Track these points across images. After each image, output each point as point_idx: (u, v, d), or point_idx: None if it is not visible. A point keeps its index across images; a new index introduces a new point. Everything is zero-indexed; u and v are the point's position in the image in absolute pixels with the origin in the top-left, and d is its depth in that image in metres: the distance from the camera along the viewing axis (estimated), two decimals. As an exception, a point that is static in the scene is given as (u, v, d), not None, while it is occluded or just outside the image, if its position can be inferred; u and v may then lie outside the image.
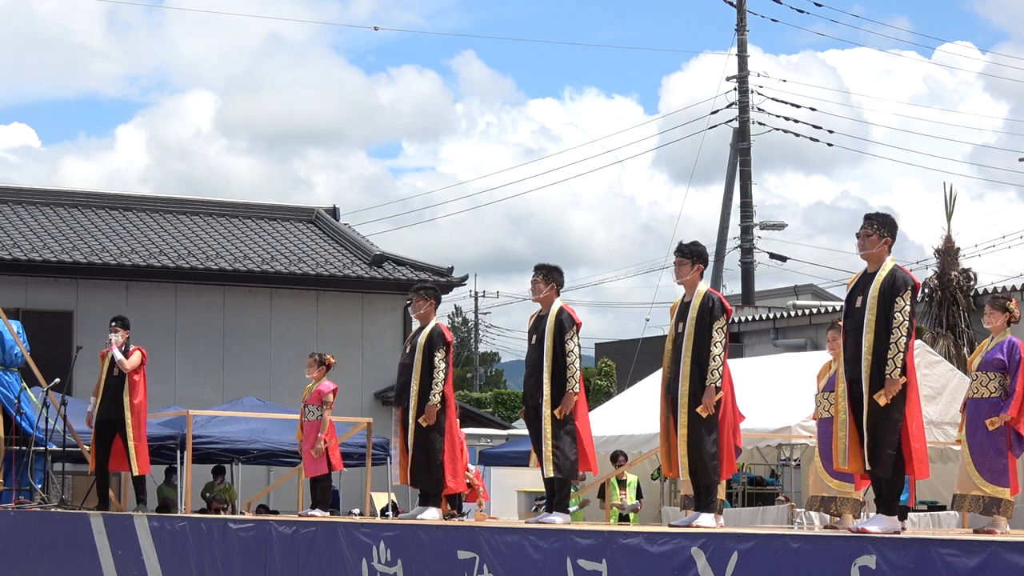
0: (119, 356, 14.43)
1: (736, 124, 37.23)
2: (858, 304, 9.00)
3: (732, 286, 38.25)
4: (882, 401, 8.72)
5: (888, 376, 8.75)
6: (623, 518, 19.32)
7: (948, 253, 28.28)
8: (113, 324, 14.73)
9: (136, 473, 14.47)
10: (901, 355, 8.77)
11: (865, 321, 8.89)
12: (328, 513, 13.80)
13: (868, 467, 8.84)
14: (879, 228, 9.08)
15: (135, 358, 14.48)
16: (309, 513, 13.47)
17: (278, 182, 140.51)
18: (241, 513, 20.31)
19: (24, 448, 16.56)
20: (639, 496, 19.84)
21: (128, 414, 14.32)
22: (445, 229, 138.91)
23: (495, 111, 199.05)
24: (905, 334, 8.83)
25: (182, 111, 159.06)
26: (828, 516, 12.81)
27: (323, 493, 14.00)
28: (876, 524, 8.58)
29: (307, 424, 14.03)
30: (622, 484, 19.79)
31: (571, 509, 18.08)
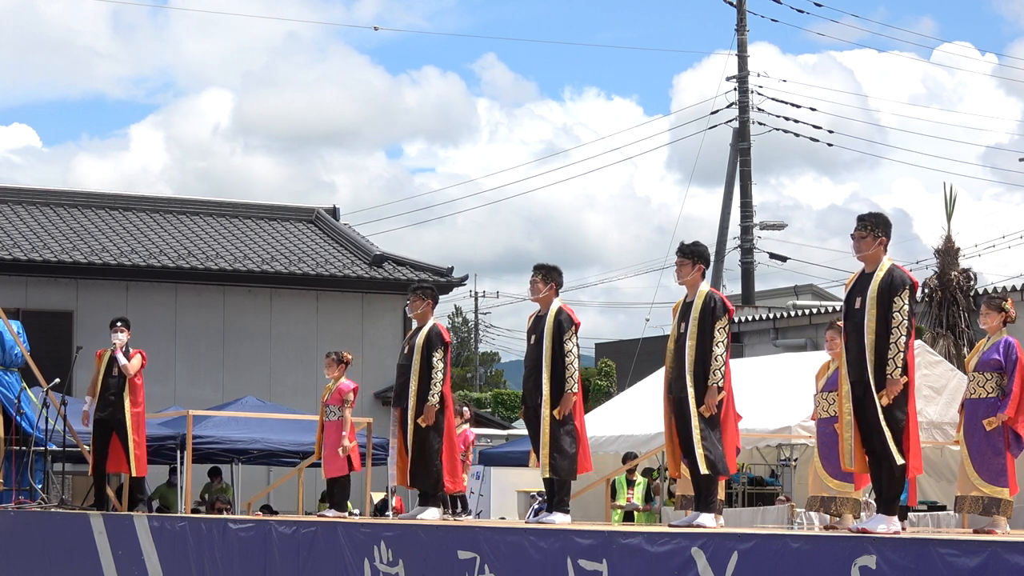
0: (123, 360, 14.37)
1: (736, 124, 37.27)
2: (857, 305, 9.02)
3: (732, 286, 38.31)
4: (884, 401, 8.74)
5: (889, 376, 8.77)
6: (628, 517, 19.36)
7: (948, 253, 28.27)
8: (119, 324, 14.64)
9: (135, 475, 14.47)
10: (901, 355, 8.80)
11: (865, 322, 8.90)
12: (346, 515, 13.81)
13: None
14: (873, 229, 9.09)
15: (136, 361, 14.43)
16: (324, 514, 13.47)
17: (294, 183, 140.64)
18: (241, 513, 20.31)
19: (24, 448, 16.55)
20: (650, 498, 19.87)
21: (128, 416, 14.30)
22: (461, 230, 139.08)
23: (509, 112, 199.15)
24: (905, 333, 8.84)
25: (192, 111, 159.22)
26: (828, 516, 12.81)
27: (340, 493, 14.02)
28: (876, 524, 8.59)
29: (328, 424, 14.02)
30: (630, 484, 19.84)
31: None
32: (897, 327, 8.84)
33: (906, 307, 8.89)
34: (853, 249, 9.17)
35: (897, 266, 9.05)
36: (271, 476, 24.92)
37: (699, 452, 9.88)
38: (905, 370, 8.82)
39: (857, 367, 8.91)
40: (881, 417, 8.77)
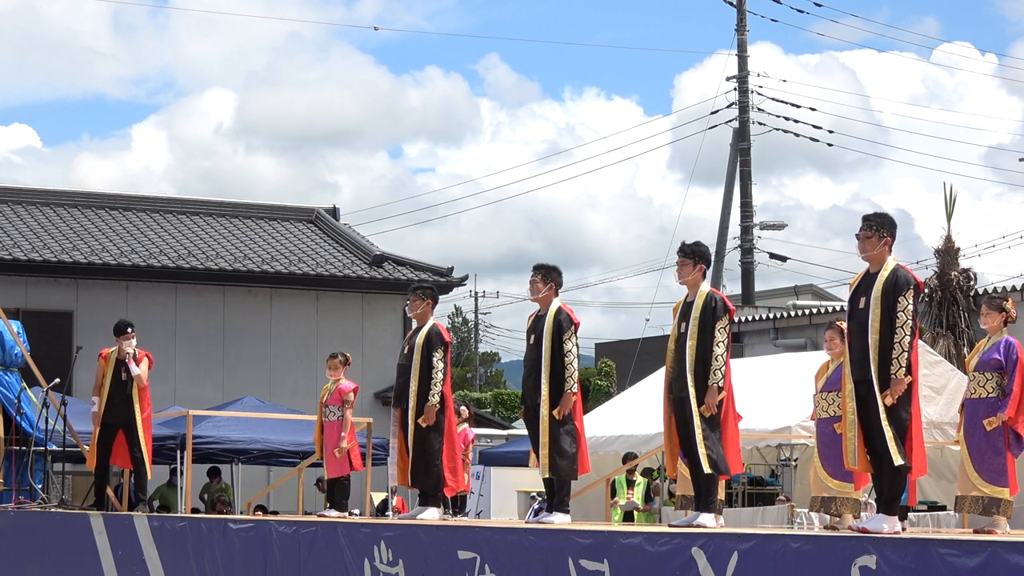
0: (136, 370, 14.26)
1: (736, 124, 37.27)
2: (861, 305, 9.03)
3: (732, 286, 38.32)
4: (888, 401, 8.75)
5: (893, 376, 8.78)
6: (628, 517, 19.38)
7: (948, 253, 28.28)
8: (129, 330, 14.49)
9: (150, 477, 14.48)
10: (906, 355, 8.82)
11: (869, 322, 8.91)
12: (346, 514, 13.81)
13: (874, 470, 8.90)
14: (878, 229, 9.11)
15: (145, 366, 14.37)
16: (325, 514, 13.47)
17: (296, 183, 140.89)
18: (241, 513, 20.31)
19: (24, 448, 16.54)
20: (649, 498, 19.88)
21: (140, 421, 14.27)
22: (463, 230, 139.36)
23: (511, 112, 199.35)
24: (909, 333, 8.86)
25: (194, 111, 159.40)
26: (828, 516, 12.81)
27: (340, 493, 14.03)
28: (876, 524, 8.59)
29: (327, 424, 14.02)
30: (631, 484, 19.85)
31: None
32: (901, 327, 8.85)
33: (910, 307, 8.90)
34: (858, 249, 9.18)
35: (902, 266, 9.07)
36: (271, 476, 24.93)
37: (702, 452, 9.88)
38: (909, 370, 8.83)
39: (861, 366, 8.92)
40: (884, 417, 8.77)
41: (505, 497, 22.26)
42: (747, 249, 37.08)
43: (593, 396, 37.63)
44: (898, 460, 8.76)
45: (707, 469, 9.90)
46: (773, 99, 37.61)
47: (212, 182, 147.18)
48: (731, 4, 37.31)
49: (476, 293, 67.79)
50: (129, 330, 14.45)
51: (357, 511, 21.06)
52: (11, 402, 16.65)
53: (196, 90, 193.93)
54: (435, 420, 11.83)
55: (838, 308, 29.93)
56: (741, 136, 37.09)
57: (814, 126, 37.73)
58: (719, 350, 9.98)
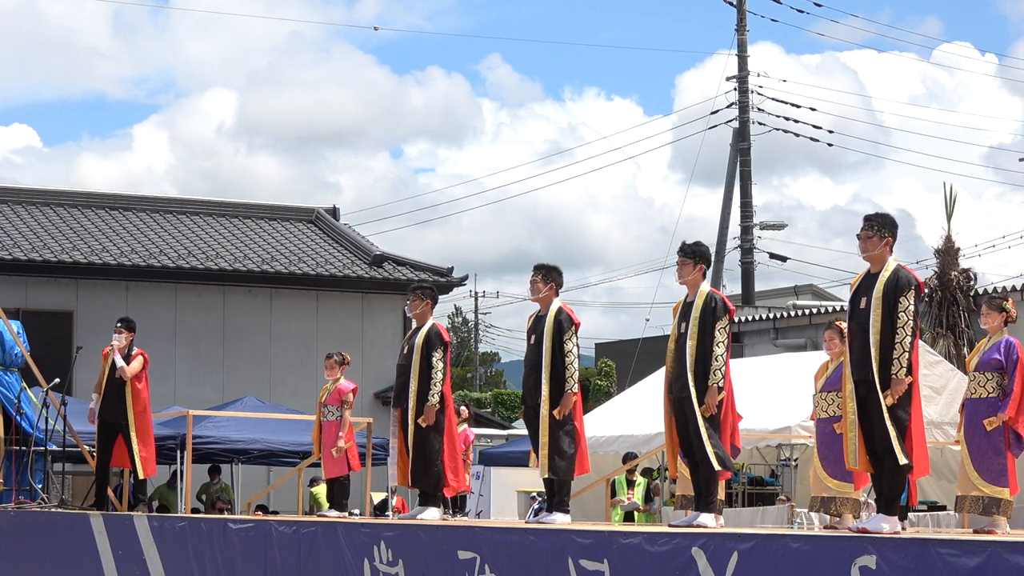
0: (120, 363, 14.30)
1: (736, 124, 37.27)
2: (862, 305, 9.03)
3: (732, 286, 38.32)
4: (889, 401, 8.76)
5: (894, 376, 8.78)
6: (628, 517, 19.38)
7: (948, 253, 28.28)
8: (119, 325, 14.60)
9: (141, 477, 14.46)
10: (906, 355, 8.82)
11: (870, 322, 8.91)
12: (346, 514, 13.82)
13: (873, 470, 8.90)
14: (879, 229, 9.11)
15: (136, 364, 14.34)
16: (325, 514, 13.48)
17: (297, 183, 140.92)
18: (241, 513, 20.30)
19: (24, 448, 16.54)
20: (649, 498, 19.88)
21: (132, 418, 14.26)
22: (465, 230, 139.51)
23: (512, 112, 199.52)
24: (909, 333, 8.86)
25: (196, 111, 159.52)
26: (828, 516, 12.81)
27: (339, 493, 14.03)
28: (876, 524, 8.59)
29: (326, 424, 14.03)
30: (631, 484, 19.85)
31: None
32: (902, 327, 8.85)
33: (911, 307, 8.89)
34: (859, 249, 9.19)
35: (903, 266, 9.07)
36: (271, 476, 24.93)
37: (709, 450, 9.89)
38: (910, 370, 8.83)
39: (861, 366, 8.92)
40: (885, 417, 8.78)
41: (505, 497, 22.27)
42: (747, 249, 37.09)
43: (593, 396, 37.62)
44: (902, 460, 8.76)
45: (716, 466, 9.91)
46: (773, 99, 37.65)
47: (214, 182, 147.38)
48: (731, 4, 37.33)
49: (476, 293, 67.86)
50: (118, 325, 14.56)
51: (357, 511, 21.07)
52: (11, 402, 16.65)
53: (197, 90, 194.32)
54: (435, 420, 11.83)
55: (838, 308, 29.91)
56: (741, 136, 37.09)
57: (814, 126, 37.78)
58: (719, 350, 9.98)
